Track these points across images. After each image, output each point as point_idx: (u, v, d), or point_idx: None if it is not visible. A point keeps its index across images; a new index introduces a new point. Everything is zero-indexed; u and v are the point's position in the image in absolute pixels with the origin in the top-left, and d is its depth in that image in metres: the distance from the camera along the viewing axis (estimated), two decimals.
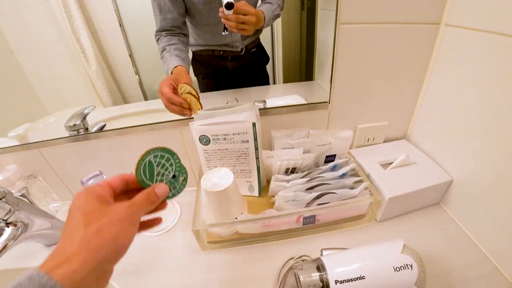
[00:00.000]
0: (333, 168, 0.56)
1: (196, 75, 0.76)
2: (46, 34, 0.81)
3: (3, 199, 0.49)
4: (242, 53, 0.73)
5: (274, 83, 0.81)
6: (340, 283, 0.37)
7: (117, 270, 0.51)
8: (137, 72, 0.84)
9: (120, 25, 0.77)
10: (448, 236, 0.55)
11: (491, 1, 0.44)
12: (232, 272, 0.50)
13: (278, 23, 0.73)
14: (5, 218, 0.50)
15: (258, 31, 0.71)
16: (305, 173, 0.56)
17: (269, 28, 0.74)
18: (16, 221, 0.55)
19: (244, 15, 0.58)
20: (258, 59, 0.77)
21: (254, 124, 0.51)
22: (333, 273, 0.38)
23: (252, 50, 0.74)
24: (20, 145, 0.63)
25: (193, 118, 0.55)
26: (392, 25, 0.54)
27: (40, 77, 0.87)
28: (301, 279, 0.39)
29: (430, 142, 0.63)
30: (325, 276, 0.38)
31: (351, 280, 0.38)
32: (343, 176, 0.55)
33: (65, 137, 0.64)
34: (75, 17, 0.75)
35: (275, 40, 0.77)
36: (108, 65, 0.85)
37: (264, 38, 0.77)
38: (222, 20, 0.59)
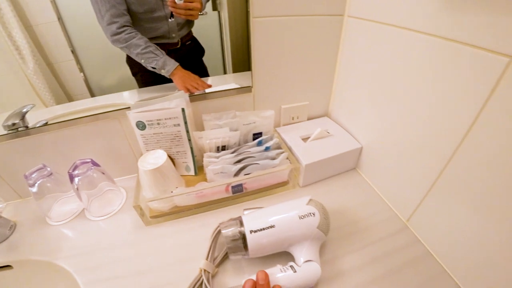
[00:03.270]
0: (259, 144, 0.64)
1: (134, 73, 0.75)
2: None
3: None
4: (178, 47, 0.77)
5: (225, 73, 0.83)
6: (254, 232, 0.45)
7: (65, 253, 0.55)
8: (81, 69, 0.81)
9: (59, 18, 0.73)
10: (361, 194, 0.66)
11: None
12: (174, 240, 0.56)
13: (226, 17, 0.76)
14: None
15: (191, 23, 0.76)
16: (233, 149, 0.63)
17: (217, 21, 0.77)
18: None
19: (190, 2, 0.63)
20: (194, 52, 0.80)
21: (183, 109, 0.58)
22: (248, 226, 0.46)
23: (187, 43, 0.79)
24: None
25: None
26: (301, 17, 0.62)
27: None
28: (223, 233, 0.46)
29: (345, 117, 0.74)
30: (242, 228, 0.46)
31: (263, 229, 0.46)
32: (267, 149, 0.63)
33: (3, 135, 0.64)
34: (4, 10, 0.71)
35: (223, 32, 0.80)
36: (48, 62, 0.79)
37: (213, 31, 0.79)
38: (171, 8, 0.63)
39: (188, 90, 0.67)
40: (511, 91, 0.34)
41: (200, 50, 0.81)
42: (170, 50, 0.77)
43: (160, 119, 0.58)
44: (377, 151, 0.63)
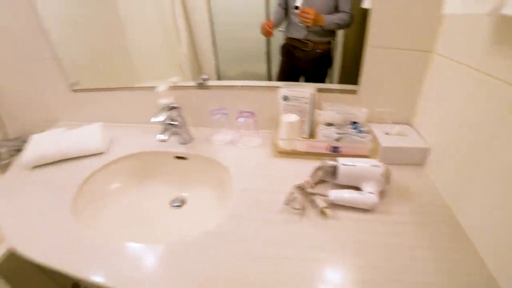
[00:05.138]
0: (355, 127, 0.97)
1: (281, 54, 1.10)
2: (151, 16, 1.09)
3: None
4: (307, 50, 1.04)
5: (331, 82, 1.08)
6: (344, 165, 0.79)
7: (223, 157, 0.96)
8: (216, 59, 1.13)
9: (210, 20, 1.04)
10: (420, 180, 0.90)
11: (466, 42, 0.74)
12: (290, 167, 0.93)
13: (341, 38, 1.01)
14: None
15: (329, 35, 1.03)
16: (337, 127, 0.97)
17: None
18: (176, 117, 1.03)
19: (306, 12, 0.95)
20: (321, 60, 1.07)
21: (312, 94, 0.95)
22: (341, 161, 0.80)
23: (317, 51, 1.06)
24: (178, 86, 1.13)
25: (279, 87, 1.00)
26: (401, 50, 0.92)
27: (138, 50, 1.17)
28: (327, 162, 0.81)
29: (423, 126, 0.99)
30: (337, 163, 0.80)
31: (349, 165, 0.79)
32: (359, 131, 0.95)
33: (195, 86, 1.10)
34: (177, 11, 1.04)
35: (336, 48, 1.04)
36: (195, 49, 1.11)
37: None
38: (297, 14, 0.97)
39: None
40: None
41: (327, 61, 1.07)
42: (299, 49, 1.05)
43: (298, 97, 0.96)
44: (443, 155, 0.86)
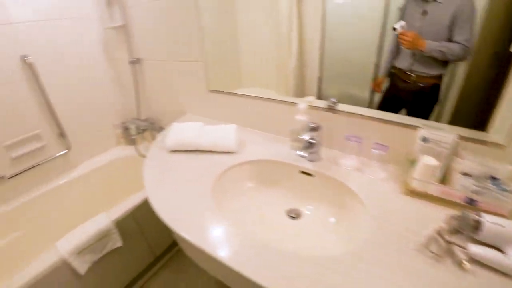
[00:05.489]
0: (496, 184, 0.94)
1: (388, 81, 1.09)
2: (266, 28, 1.18)
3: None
4: (410, 82, 1.02)
5: (438, 120, 1.02)
6: (491, 223, 0.77)
7: (352, 181, 1.01)
8: (320, 77, 1.15)
9: (322, 37, 1.07)
10: None
11: None
12: (418, 208, 0.93)
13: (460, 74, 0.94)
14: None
15: (437, 68, 0.97)
16: (474, 179, 0.95)
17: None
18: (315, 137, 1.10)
19: (405, 35, 0.95)
20: (423, 95, 1.03)
21: (454, 141, 0.94)
22: (486, 218, 0.78)
23: (419, 84, 1.02)
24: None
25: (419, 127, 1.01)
26: None
27: (248, 58, 1.29)
28: (471, 214, 0.80)
29: None
30: (482, 218, 0.79)
31: (498, 224, 0.77)
32: (501, 189, 0.92)
33: (325, 107, 1.15)
34: (293, 25, 1.11)
35: (454, 84, 0.97)
36: (301, 65, 1.14)
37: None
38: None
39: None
40: None
41: (431, 98, 1.01)
42: (402, 79, 1.04)
43: (438, 141, 0.97)
44: None
